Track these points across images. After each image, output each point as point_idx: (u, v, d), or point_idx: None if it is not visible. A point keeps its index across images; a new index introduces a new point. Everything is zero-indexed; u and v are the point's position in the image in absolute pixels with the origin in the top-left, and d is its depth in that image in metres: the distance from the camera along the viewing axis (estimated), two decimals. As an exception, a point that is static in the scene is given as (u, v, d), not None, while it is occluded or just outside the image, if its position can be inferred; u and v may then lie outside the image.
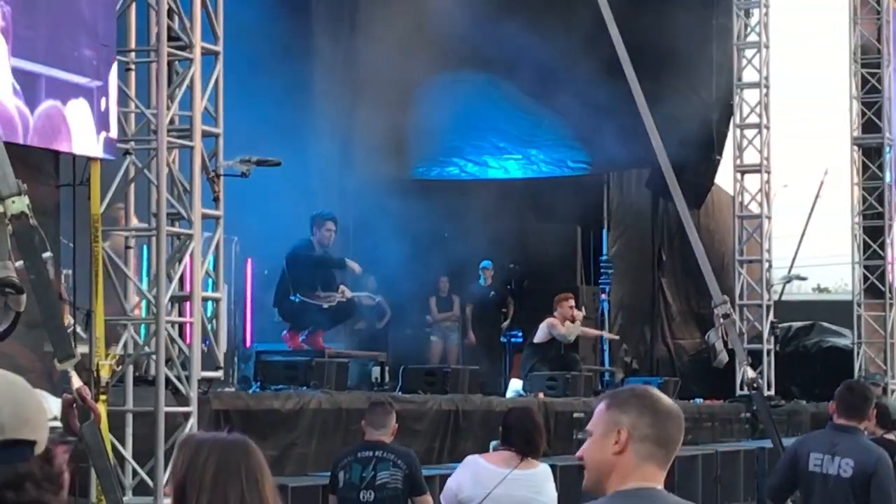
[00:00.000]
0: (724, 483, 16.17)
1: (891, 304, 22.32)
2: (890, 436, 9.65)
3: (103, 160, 9.87)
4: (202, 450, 3.41)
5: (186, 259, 10.52)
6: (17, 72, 9.01)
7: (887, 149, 22.45)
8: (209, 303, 10.89)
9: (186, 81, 10.54)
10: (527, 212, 21.98)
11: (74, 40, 9.51)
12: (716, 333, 14.06)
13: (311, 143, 17.59)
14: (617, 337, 21.40)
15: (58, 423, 5.40)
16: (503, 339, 19.69)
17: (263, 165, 11.28)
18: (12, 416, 2.71)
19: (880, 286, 22.33)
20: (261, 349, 14.76)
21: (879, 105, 22.34)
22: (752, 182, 21.05)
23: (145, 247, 11.32)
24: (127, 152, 10.34)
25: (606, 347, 21.32)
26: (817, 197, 29.29)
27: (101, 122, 9.73)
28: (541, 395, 15.87)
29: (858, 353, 22.33)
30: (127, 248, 10.68)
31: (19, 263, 7.35)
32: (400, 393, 13.90)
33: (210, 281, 11.01)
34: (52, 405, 5.36)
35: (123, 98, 10.23)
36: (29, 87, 9.11)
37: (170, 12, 10.45)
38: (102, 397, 9.34)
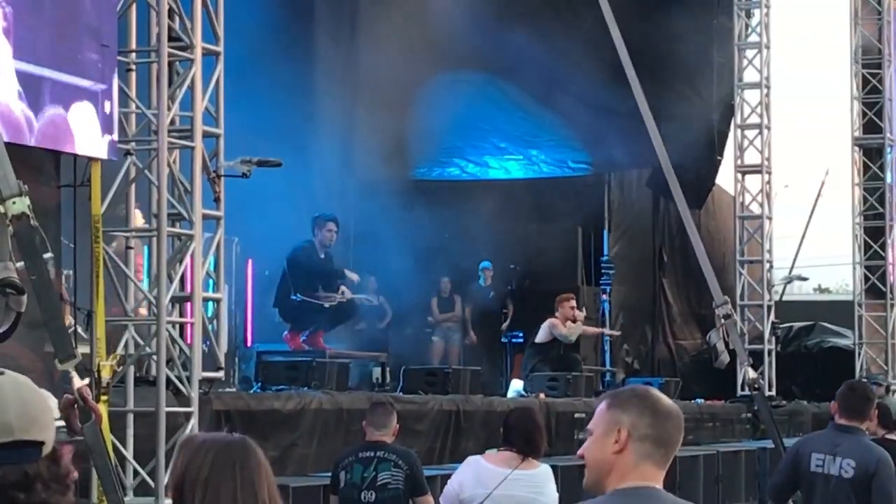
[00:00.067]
0: (725, 483, 16.19)
1: (892, 305, 22.32)
2: (891, 436, 9.61)
3: (104, 160, 9.87)
4: (201, 450, 3.41)
5: (187, 259, 10.52)
6: (21, 75, 8.98)
7: (888, 149, 22.45)
8: (210, 303, 10.90)
9: (187, 82, 10.54)
10: (528, 212, 21.94)
11: (78, 42, 9.49)
12: (717, 334, 14.05)
13: (311, 144, 17.57)
14: (618, 333, 21.35)
15: (63, 423, 5.40)
16: (504, 340, 19.69)
17: (264, 166, 11.28)
18: (20, 416, 2.70)
19: (881, 286, 22.33)
20: (262, 349, 14.77)
21: (880, 105, 22.34)
22: (753, 182, 21.06)
23: (146, 248, 11.32)
24: (128, 153, 10.34)
25: (608, 348, 21.32)
26: (818, 197, 29.24)
27: (106, 124, 9.72)
28: (542, 395, 15.87)
29: (859, 354, 22.34)
30: (128, 248, 10.68)
31: (20, 264, 7.34)
32: (401, 393, 13.90)
33: (211, 281, 11.02)
34: (53, 406, 5.35)
35: (124, 98, 10.24)
36: (33, 90, 9.08)
37: (170, 13, 10.46)
38: (103, 398, 9.34)
